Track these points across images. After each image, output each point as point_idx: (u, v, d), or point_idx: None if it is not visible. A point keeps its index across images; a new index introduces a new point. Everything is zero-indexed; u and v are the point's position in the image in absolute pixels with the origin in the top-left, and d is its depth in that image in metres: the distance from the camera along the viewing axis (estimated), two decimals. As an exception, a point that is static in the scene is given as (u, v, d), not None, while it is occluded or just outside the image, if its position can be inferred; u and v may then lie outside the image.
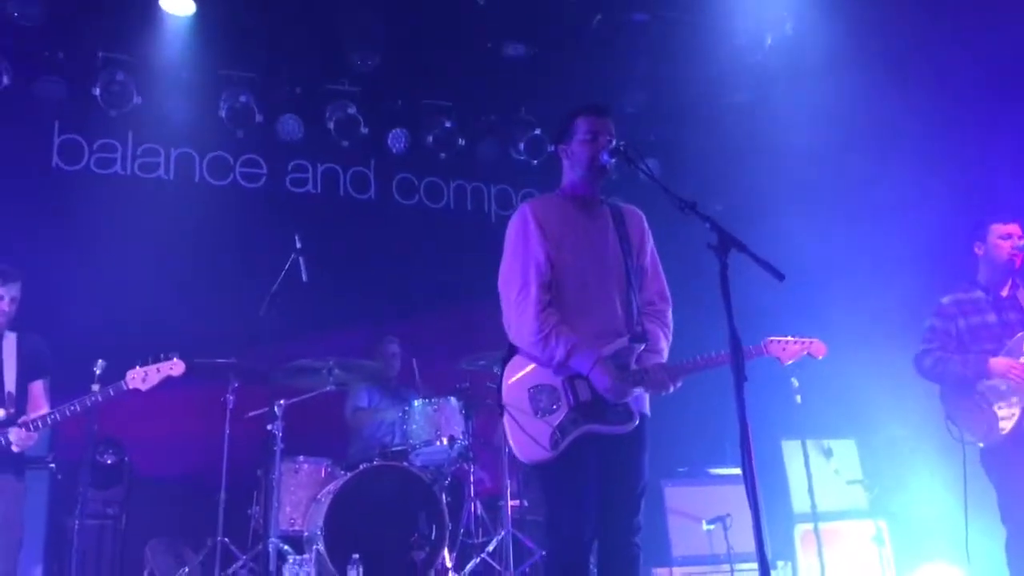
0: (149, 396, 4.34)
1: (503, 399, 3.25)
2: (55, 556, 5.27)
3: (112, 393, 4.18)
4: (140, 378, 4.21)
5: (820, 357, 3.53)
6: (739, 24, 6.57)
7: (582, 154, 3.33)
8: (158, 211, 6.54)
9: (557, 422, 3.13)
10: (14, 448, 4.16)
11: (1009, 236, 4.43)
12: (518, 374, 3.24)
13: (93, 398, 4.17)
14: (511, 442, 3.21)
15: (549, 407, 3.16)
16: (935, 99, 5.85)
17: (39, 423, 4.18)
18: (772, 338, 3.46)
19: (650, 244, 3.49)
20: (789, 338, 3.48)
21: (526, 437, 3.16)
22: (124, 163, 6.78)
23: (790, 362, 3.48)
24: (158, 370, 4.23)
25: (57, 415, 4.18)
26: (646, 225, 3.52)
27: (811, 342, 3.51)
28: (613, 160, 3.28)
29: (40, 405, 4.39)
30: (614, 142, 3.27)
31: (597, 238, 3.36)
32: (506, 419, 3.23)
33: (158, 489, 5.96)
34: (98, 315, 5.84)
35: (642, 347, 3.23)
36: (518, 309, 3.22)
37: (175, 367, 4.26)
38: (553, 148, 3.50)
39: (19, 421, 4.17)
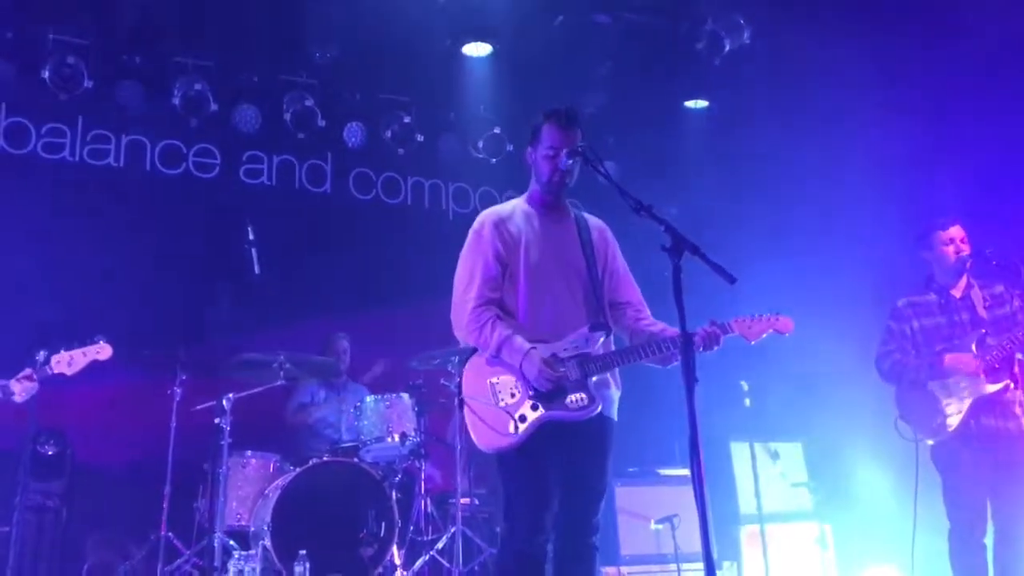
0: (93, 386, 4.27)
1: (463, 392, 3.28)
2: (-9, 549, 5.14)
3: (37, 378, 4.07)
4: (66, 362, 4.11)
5: (787, 333, 3.34)
6: (698, 30, 6.63)
7: (542, 169, 3.41)
8: (107, 199, 6.41)
9: (517, 411, 3.16)
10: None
11: (951, 241, 4.55)
12: (478, 368, 3.28)
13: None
14: (471, 432, 3.23)
15: (509, 396, 3.19)
16: (886, 105, 5.99)
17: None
18: (737, 317, 3.31)
19: (619, 255, 3.56)
20: (753, 316, 3.32)
21: (486, 425, 3.18)
22: (73, 149, 6.62)
23: (756, 340, 3.30)
24: (84, 354, 4.14)
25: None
26: (610, 236, 3.59)
27: (777, 318, 3.34)
28: (571, 162, 3.32)
29: None
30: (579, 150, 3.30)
31: (557, 238, 3.43)
32: (467, 412, 3.25)
33: (101, 481, 5.84)
34: (42, 304, 5.70)
35: (602, 336, 3.28)
36: (460, 302, 3.33)
37: (102, 351, 4.17)
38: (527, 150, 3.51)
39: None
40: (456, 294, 3.36)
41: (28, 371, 4.08)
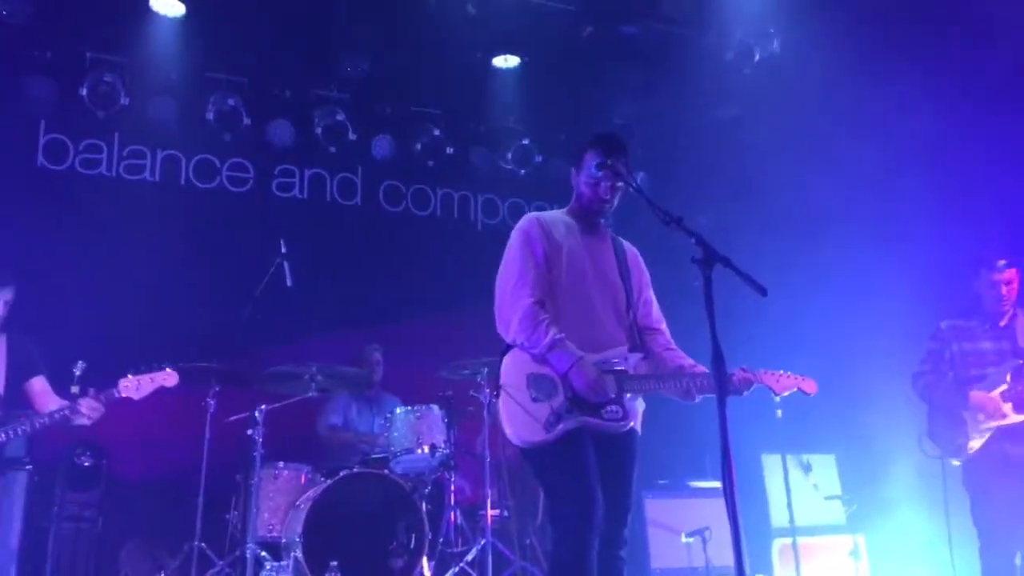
0: (128, 398, 4.30)
1: (501, 380, 3.27)
2: (29, 558, 5.21)
3: (104, 400, 4.12)
4: (133, 387, 4.14)
5: (811, 394, 3.47)
6: (727, 39, 6.61)
7: (584, 194, 3.44)
8: (143, 213, 6.50)
9: (553, 410, 3.14)
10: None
11: (1002, 283, 4.58)
12: (520, 359, 3.25)
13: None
14: (505, 422, 3.22)
15: (547, 394, 3.17)
16: (925, 116, 5.90)
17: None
18: (765, 370, 3.40)
19: (650, 282, 3.58)
20: (781, 372, 3.43)
21: (523, 416, 3.16)
22: (110, 164, 6.74)
23: (784, 393, 3.42)
24: (151, 380, 4.18)
25: (67, 411, 4.08)
26: (643, 263, 3.60)
27: (804, 379, 3.47)
28: (600, 174, 3.34)
29: (48, 401, 4.28)
30: (619, 183, 3.33)
31: (597, 254, 3.44)
32: (502, 399, 3.24)
33: (136, 492, 5.91)
34: (80, 316, 5.79)
35: (640, 356, 3.32)
36: (512, 297, 3.26)
37: (168, 378, 4.21)
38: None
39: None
40: (504, 290, 3.30)
41: (94, 392, 4.09)
